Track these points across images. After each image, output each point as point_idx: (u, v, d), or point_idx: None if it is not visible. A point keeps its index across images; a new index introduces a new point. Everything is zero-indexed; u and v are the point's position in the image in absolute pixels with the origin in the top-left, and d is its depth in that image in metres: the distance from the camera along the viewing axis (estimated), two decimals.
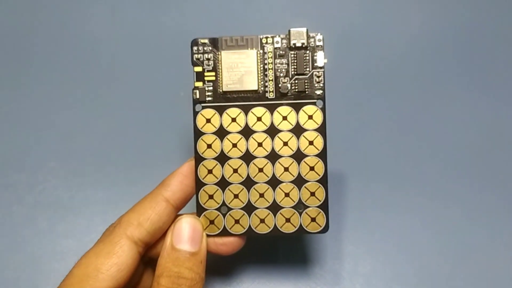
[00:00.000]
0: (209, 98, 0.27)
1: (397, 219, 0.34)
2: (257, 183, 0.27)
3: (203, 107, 0.27)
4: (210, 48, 0.27)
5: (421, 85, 0.40)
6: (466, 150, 0.38)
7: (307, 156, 0.27)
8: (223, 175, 0.27)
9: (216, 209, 0.27)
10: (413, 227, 0.33)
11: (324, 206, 0.27)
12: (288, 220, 0.27)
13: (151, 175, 0.36)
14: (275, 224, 0.27)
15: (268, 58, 0.27)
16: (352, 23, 0.43)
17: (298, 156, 0.27)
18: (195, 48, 0.27)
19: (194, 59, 0.27)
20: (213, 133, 0.27)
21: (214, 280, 0.32)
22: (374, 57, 0.42)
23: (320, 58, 0.27)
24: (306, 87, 0.27)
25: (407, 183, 0.36)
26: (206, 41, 0.27)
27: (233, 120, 0.27)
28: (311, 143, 0.27)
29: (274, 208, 0.27)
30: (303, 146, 0.27)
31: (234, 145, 0.27)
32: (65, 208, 0.35)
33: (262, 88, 0.27)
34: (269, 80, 0.27)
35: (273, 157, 0.27)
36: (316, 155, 0.27)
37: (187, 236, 0.26)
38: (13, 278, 0.32)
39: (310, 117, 0.27)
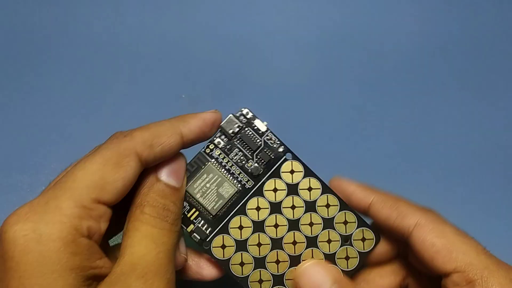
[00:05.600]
0: (208, 230, 0.27)
1: None
2: (301, 254, 0.27)
3: (209, 242, 0.27)
4: None
5: (420, 85, 0.42)
6: (465, 150, 0.39)
7: (316, 199, 0.28)
8: (271, 274, 0.27)
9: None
10: None
11: (361, 223, 0.28)
12: (347, 258, 0.28)
13: None
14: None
15: (223, 160, 0.27)
16: (350, 25, 0.43)
17: (310, 207, 0.28)
18: None
19: None
20: (235, 252, 0.27)
21: None
22: (372, 59, 0.42)
23: (260, 126, 0.27)
24: (269, 154, 0.27)
25: (406, 184, 0.37)
26: None
27: (240, 227, 0.27)
28: (309, 189, 0.28)
29: (329, 258, 0.28)
30: (305, 195, 0.28)
31: (259, 244, 0.27)
32: None
33: (239, 185, 0.27)
34: (239, 174, 0.27)
35: (294, 225, 0.27)
36: (321, 194, 0.28)
37: (172, 169, 0.25)
38: None
39: (292, 171, 0.28)
